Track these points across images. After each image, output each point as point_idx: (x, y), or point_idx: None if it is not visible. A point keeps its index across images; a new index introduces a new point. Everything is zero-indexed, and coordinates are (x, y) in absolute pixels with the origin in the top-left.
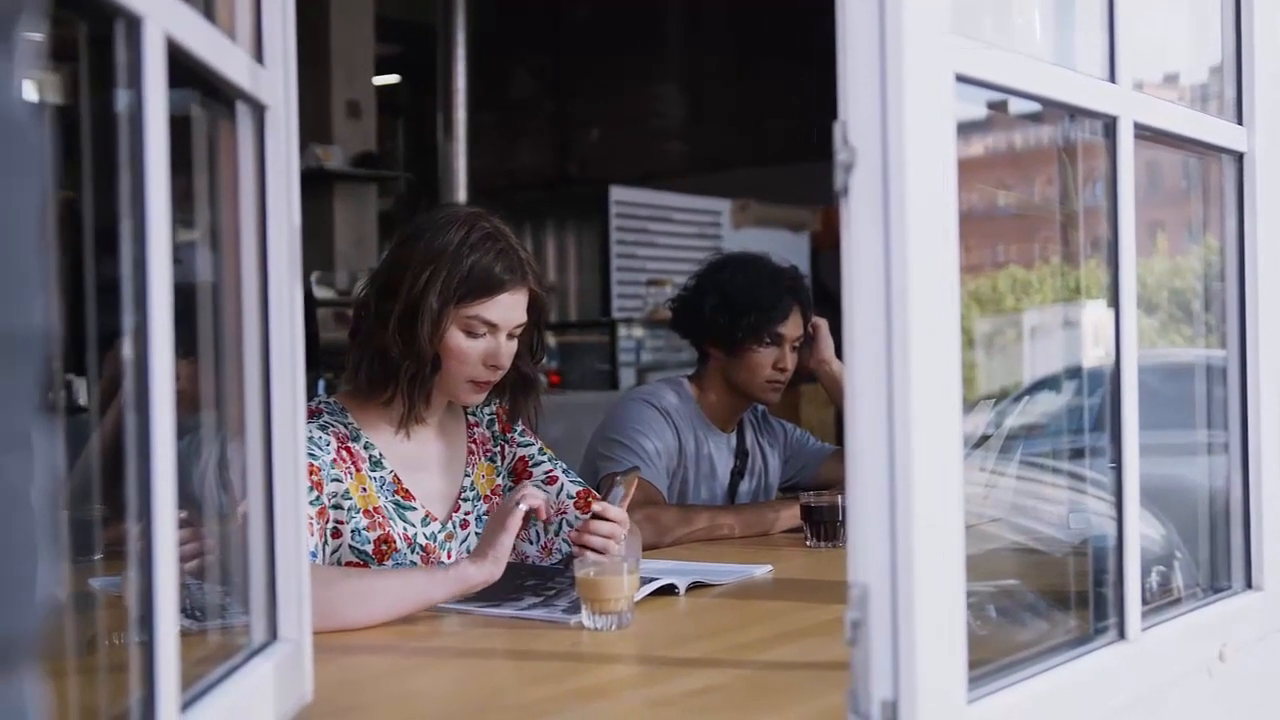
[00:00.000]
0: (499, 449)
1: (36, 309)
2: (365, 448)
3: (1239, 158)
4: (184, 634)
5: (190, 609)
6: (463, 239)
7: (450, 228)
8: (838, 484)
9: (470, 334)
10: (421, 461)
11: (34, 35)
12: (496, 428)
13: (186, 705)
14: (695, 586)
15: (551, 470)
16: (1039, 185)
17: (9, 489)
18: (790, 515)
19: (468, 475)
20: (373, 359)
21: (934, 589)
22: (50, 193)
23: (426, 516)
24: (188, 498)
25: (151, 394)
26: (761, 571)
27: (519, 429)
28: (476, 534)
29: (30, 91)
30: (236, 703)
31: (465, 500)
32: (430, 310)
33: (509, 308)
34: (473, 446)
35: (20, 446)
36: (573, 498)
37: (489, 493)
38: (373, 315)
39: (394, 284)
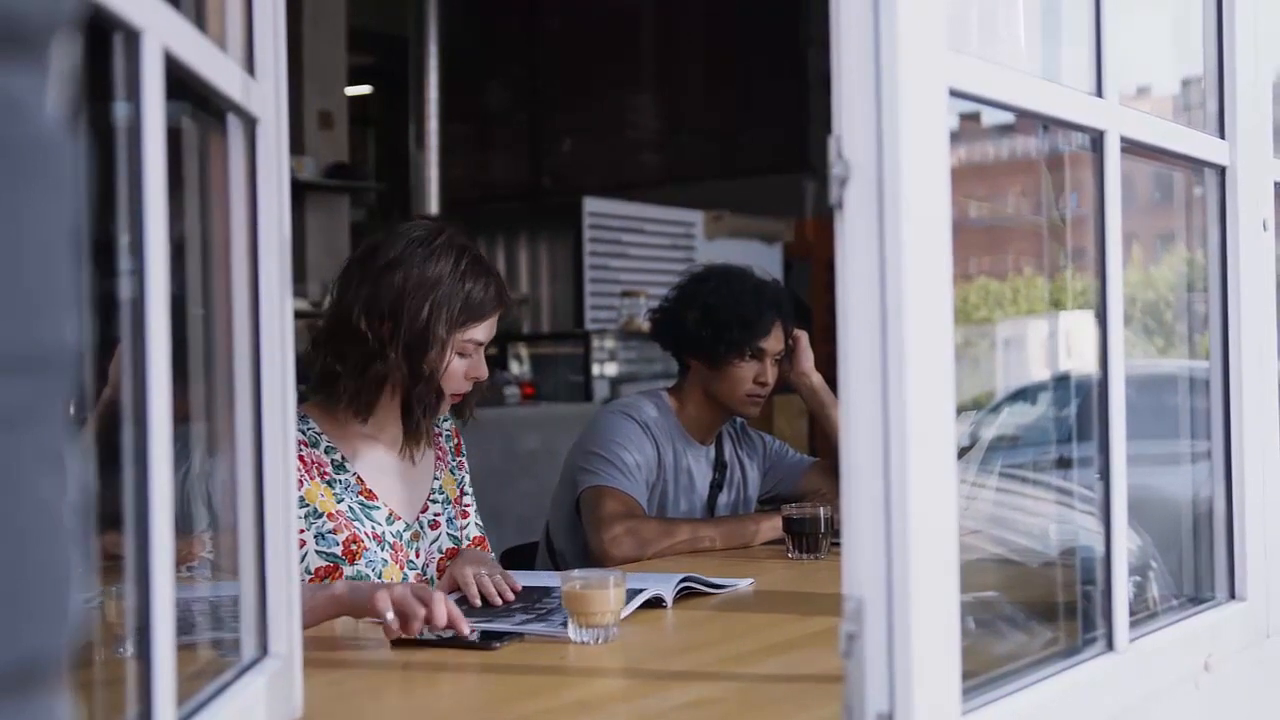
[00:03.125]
0: (456, 463)
1: (69, 327)
2: (327, 452)
3: (1221, 171)
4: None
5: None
6: (454, 266)
7: (437, 257)
8: (817, 496)
9: (462, 354)
10: (388, 465)
11: (66, 54)
12: (451, 445)
13: None
14: (685, 594)
15: (469, 506)
16: (1011, 197)
17: (43, 507)
18: (771, 527)
19: (436, 478)
20: (372, 385)
21: (930, 601)
22: (82, 211)
23: (390, 515)
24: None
25: (148, 407)
26: (745, 584)
27: (463, 455)
28: (449, 534)
29: (62, 109)
30: (229, 719)
31: (435, 501)
32: (439, 340)
33: (493, 326)
34: (439, 454)
35: (53, 464)
36: (469, 540)
37: (454, 499)
38: (372, 343)
39: (392, 311)
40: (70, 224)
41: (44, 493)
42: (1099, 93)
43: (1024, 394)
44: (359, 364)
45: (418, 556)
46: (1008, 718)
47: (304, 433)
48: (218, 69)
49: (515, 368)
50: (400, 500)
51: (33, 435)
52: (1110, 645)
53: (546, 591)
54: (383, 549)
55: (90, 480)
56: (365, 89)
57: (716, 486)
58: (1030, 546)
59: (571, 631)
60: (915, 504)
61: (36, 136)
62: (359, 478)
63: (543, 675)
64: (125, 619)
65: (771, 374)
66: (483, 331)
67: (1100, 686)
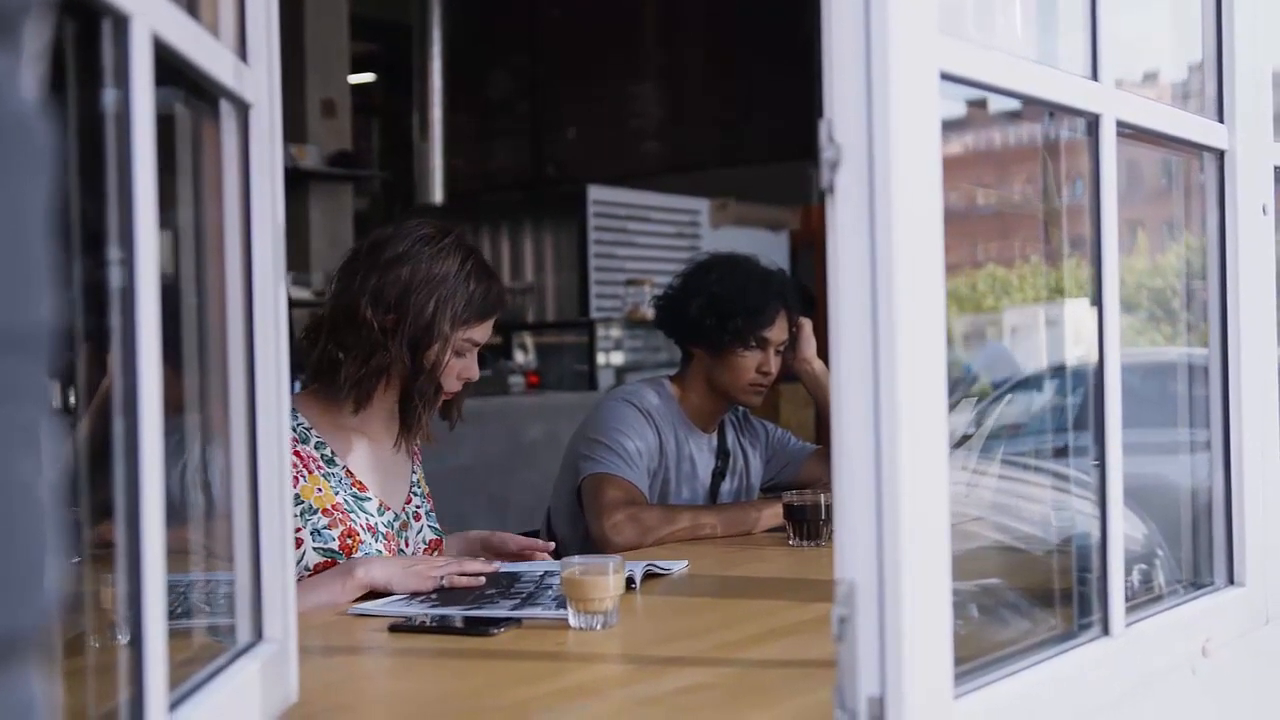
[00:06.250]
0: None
1: (44, 307)
2: (316, 447)
3: (1220, 155)
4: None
5: (173, 609)
6: (460, 266)
7: (444, 255)
8: (819, 483)
9: (459, 353)
10: (373, 457)
11: (39, 33)
12: (418, 445)
13: (174, 705)
14: (649, 576)
15: (429, 507)
16: (1018, 184)
17: (19, 484)
18: (772, 514)
19: (414, 472)
20: (372, 376)
21: (921, 585)
22: (56, 191)
23: (381, 506)
24: (168, 499)
25: (139, 396)
26: (679, 567)
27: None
28: (430, 526)
29: (35, 89)
30: (223, 703)
31: (416, 494)
32: (443, 336)
33: (490, 329)
34: (415, 449)
35: (29, 442)
36: (426, 544)
37: (426, 495)
38: (375, 333)
39: (398, 304)
40: (45, 205)
41: (20, 470)
42: (1094, 76)
43: (1028, 381)
44: (362, 353)
45: (406, 546)
46: (1000, 701)
47: (294, 429)
48: (209, 55)
49: (520, 357)
50: (387, 492)
51: (8, 413)
52: (1106, 630)
53: (514, 577)
54: (376, 540)
55: (67, 459)
56: (368, 77)
57: (720, 474)
58: (1031, 533)
59: (571, 618)
60: (906, 486)
61: (10, 117)
62: (348, 470)
63: (540, 661)
64: (119, 606)
65: (774, 364)
66: (480, 333)
67: (1095, 671)
